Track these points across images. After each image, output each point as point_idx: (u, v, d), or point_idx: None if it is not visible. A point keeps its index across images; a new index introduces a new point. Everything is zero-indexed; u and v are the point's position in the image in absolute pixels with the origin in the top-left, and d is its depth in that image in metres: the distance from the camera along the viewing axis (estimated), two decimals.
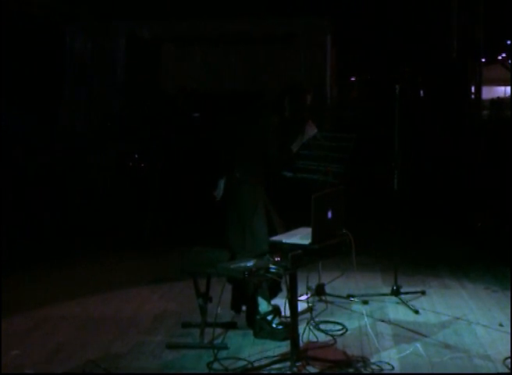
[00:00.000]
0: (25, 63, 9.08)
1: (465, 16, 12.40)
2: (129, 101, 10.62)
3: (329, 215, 4.34)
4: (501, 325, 5.05)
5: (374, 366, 4.34)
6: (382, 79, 15.90)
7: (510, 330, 4.87)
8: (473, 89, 12.62)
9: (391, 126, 5.80)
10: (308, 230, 4.27)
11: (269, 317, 4.88)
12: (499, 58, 21.98)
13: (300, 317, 4.66)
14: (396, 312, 5.43)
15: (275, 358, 4.45)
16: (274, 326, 4.86)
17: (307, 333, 4.71)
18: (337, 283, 6.04)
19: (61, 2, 9.91)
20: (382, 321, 5.20)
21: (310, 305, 5.35)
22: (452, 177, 10.51)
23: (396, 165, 5.77)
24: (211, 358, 4.41)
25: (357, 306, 5.49)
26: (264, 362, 4.41)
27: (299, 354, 4.35)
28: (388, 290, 5.80)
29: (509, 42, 18.29)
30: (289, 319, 4.49)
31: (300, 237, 4.37)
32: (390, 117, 5.84)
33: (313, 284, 5.69)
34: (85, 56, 10.72)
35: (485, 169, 10.18)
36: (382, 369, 4.31)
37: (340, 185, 4.84)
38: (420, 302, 5.65)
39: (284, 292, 4.72)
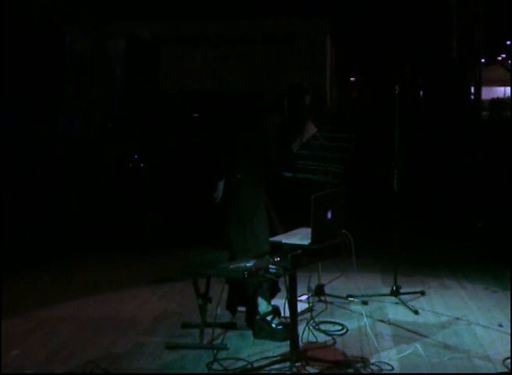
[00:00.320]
0: (25, 63, 9.08)
1: (465, 16, 12.40)
2: (129, 102, 10.61)
3: (329, 215, 4.34)
4: (500, 325, 5.05)
5: (373, 367, 4.34)
6: (381, 79, 15.90)
7: (509, 331, 4.87)
8: (473, 89, 12.63)
9: (391, 126, 5.81)
10: (308, 231, 4.27)
11: (269, 317, 4.88)
12: (499, 58, 21.98)
13: (299, 317, 4.67)
14: (396, 312, 5.44)
15: (274, 359, 4.45)
16: (274, 326, 4.86)
17: (306, 334, 4.71)
18: (337, 284, 6.04)
19: (61, 3, 9.91)
20: (382, 321, 5.20)
21: (310, 305, 5.35)
22: (452, 177, 10.51)
23: (396, 165, 5.77)
24: (211, 359, 4.42)
25: (357, 306, 5.49)
26: (263, 362, 4.41)
27: (298, 354, 4.35)
28: (387, 290, 5.80)
29: (509, 42, 18.28)
30: (288, 320, 4.50)
31: (300, 237, 4.37)
32: (390, 117, 5.84)
33: (313, 285, 5.69)
34: (85, 56, 10.72)
35: (485, 169, 10.17)
36: (381, 370, 4.31)
37: (340, 185, 4.85)
38: (419, 303, 5.65)
39: (284, 292, 4.72)
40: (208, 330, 4.72)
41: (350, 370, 4.31)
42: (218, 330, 4.84)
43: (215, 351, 4.46)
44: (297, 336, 4.40)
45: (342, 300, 5.66)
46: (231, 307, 5.08)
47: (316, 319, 5.12)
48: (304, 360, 4.36)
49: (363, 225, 7.73)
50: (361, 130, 11.00)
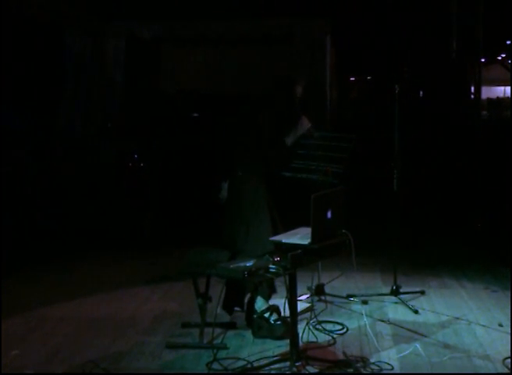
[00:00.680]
0: (25, 63, 9.08)
1: (465, 16, 12.39)
2: (129, 101, 10.61)
3: (329, 215, 4.34)
4: (500, 325, 5.05)
5: (373, 366, 4.34)
6: (381, 79, 15.89)
7: (509, 330, 4.87)
8: (472, 89, 12.62)
9: (391, 126, 5.81)
10: (308, 230, 4.27)
11: (266, 314, 4.89)
12: (499, 58, 21.95)
13: (299, 317, 4.67)
14: (396, 312, 5.44)
15: (274, 358, 4.46)
16: (272, 322, 4.87)
17: (306, 333, 4.71)
18: (337, 283, 6.05)
19: (61, 3, 9.90)
20: (382, 321, 5.20)
21: (309, 304, 5.35)
22: (451, 177, 10.52)
23: (396, 165, 5.77)
24: (211, 358, 4.42)
25: (357, 306, 5.49)
26: (263, 362, 4.41)
27: (298, 354, 4.35)
28: (387, 290, 5.80)
29: (509, 42, 18.27)
30: (288, 318, 4.50)
31: (300, 237, 4.37)
32: (390, 117, 5.84)
33: (312, 284, 5.69)
34: (85, 56, 10.71)
35: (485, 169, 10.18)
36: (381, 369, 4.31)
37: (340, 185, 4.85)
38: (419, 302, 5.65)
39: (282, 292, 4.72)
40: (207, 330, 4.72)
41: (350, 370, 4.32)
42: (218, 330, 4.85)
43: (214, 351, 4.47)
44: (297, 335, 4.40)
45: (342, 299, 5.66)
46: (227, 307, 5.08)
47: (316, 319, 5.12)
48: (304, 360, 4.37)
49: (363, 225, 7.73)
50: (361, 129, 11.01)
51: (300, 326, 4.58)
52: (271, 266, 4.15)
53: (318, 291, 5.67)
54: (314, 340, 4.75)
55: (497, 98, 24.23)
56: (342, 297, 5.70)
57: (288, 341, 4.41)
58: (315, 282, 5.69)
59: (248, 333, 4.92)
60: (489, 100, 21.61)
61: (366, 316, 5.15)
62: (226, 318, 5.10)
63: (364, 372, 4.30)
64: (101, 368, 4.34)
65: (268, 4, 11.06)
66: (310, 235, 4.22)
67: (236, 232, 4.97)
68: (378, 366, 4.35)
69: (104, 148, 9.67)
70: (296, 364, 4.29)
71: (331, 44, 11.35)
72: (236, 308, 5.12)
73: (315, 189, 4.74)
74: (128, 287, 6.21)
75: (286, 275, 4.20)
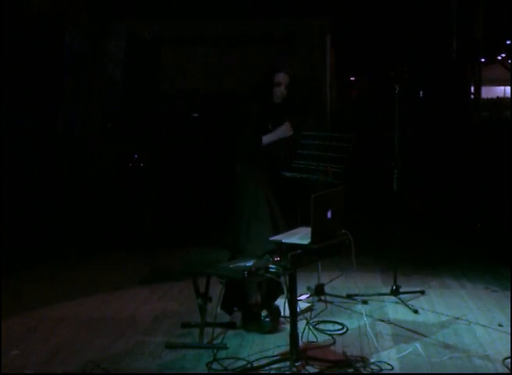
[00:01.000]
0: (24, 63, 9.07)
1: (465, 16, 12.38)
2: (129, 101, 10.60)
3: (329, 215, 4.34)
4: (500, 325, 5.06)
5: (373, 366, 4.35)
6: (381, 79, 15.89)
7: (509, 330, 4.88)
8: (472, 89, 12.61)
9: (391, 126, 5.81)
10: (308, 230, 4.27)
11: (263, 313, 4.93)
12: (499, 58, 21.95)
13: (299, 317, 4.67)
14: (396, 311, 5.44)
15: (274, 358, 4.46)
16: (262, 318, 4.94)
17: (306, 333, 4.71)
18: (337, 283, 6.05)
19: (61, 3, 9.90)
20: (382, 321, 5.20)
21: (309, 304, 5.36)
22: (451, 177, 10.51)
23: (396, 165, 5.77)
24: (211, 358, 4.42)
25: (357, 306, 5.49)
26: (263, 361, 4.41)
27: (298, 354, 4.35)
28: (387, 290, 5.81)
29: (509, 42, 18.27)
30: (288, 319, 4.50)
31: (300, 236, 4.37)
32: (390, 117, 5.85)
33: (312, 284, 5.70)
34: (85, 56, 10.70)
35: (485, 168, 10.17)
36: (381, 369, 4.31)
37: (340, 185, 4.85)
38: (419, 302, 5.65)
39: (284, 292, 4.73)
40: (207, 330, 4.73)
41: (350, 370, 4.32)
42: (217, 330, 4.85)
43: (214, 351, 4.47)
44: (297, 335, 4.40)
45: (342, 299, 5.66)
46: (226, 307, 5.09)
47: (316, 319, 5.12)
48: (304, 360, 4.37)
49: (363, 225, 7.74)
50: (361, 129, 11.00)
51: (300, 326, 4.58)
52: (271, 265, 4.16)
53: (318, 291, 5.67)
54: (314, 340, 4.76)
55: (497, 98, 24.21)
56: (342, 297, 5.70)
57: (288, 340, 4.41)
58: (315, 282, 5.69)
59: (248, 333, 4.93)
60: (487, 100, 21.58)
61: (366, 315, 5.14)
62: (226, 318, 5.11)
63: (364, 372, 4.30)
64: (101, 368, 4.34)
65: (268, 4, 11.06)
66: (310, 235, 4.22)
67: (238, 231, 4.97)
68: (378, 365, 4.35)
69: (105, 148, 9.67)
70: (296, 364, 4.29)
71: (331, 44, 11.35)
72: (236, 309, 5.12)
73: (315, 189, 4.74)
74: (128, 287, 6.21)
75: (286, 275, 4.20)
